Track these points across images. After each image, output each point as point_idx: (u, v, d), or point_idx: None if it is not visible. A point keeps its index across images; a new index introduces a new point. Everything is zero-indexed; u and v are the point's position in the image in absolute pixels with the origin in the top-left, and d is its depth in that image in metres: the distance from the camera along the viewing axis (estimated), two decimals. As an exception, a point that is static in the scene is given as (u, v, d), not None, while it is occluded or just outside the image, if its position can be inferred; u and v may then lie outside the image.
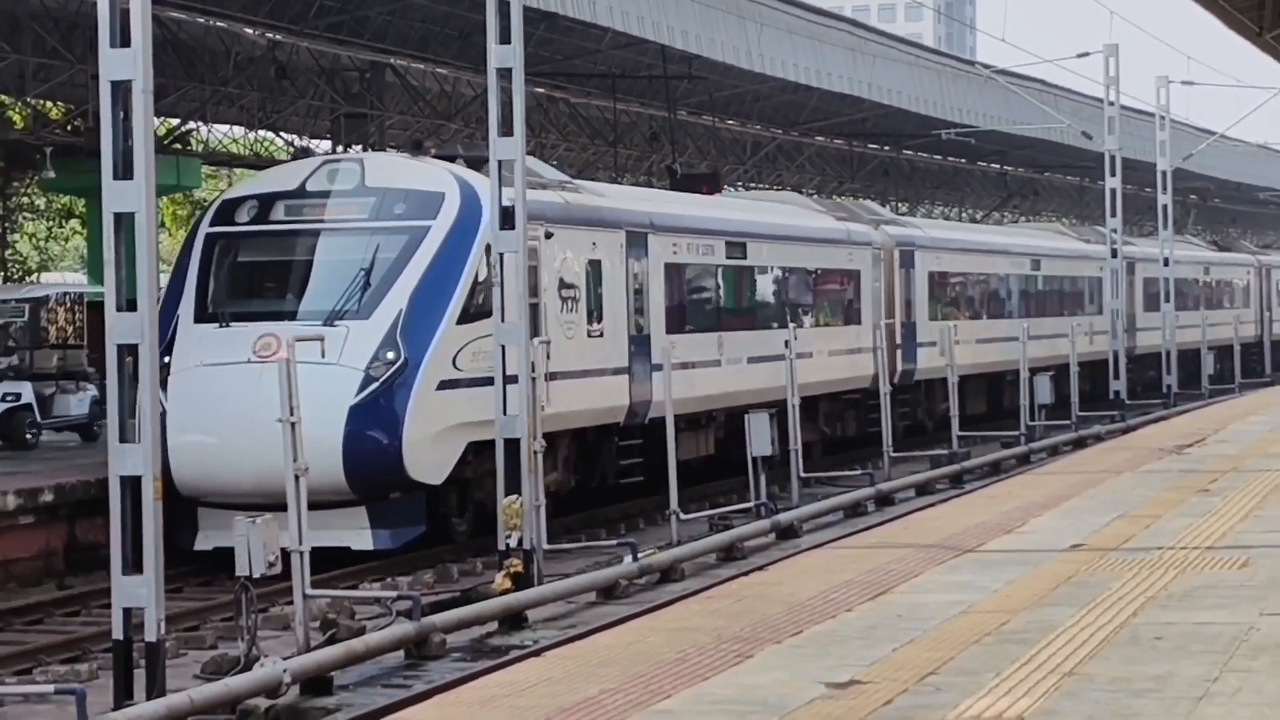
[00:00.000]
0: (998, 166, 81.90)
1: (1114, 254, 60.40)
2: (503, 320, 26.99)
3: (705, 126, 61.63)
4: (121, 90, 19.05)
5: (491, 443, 28.43)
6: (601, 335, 33.80)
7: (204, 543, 28.05)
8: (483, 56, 27.34)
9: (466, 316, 29.30)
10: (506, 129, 26.88)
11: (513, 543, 26.18)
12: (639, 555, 27.10)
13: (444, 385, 28.81)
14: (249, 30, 41.70)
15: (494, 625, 23.44)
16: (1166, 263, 64.92)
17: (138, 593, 18.70)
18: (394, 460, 28.04)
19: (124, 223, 19.14)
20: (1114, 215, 59.70)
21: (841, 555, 21.24)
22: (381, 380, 28.03)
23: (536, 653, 17.99)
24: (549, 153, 57.43)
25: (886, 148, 72.57)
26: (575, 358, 32.43)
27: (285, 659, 19.52)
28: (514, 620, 23.70)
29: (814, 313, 44.40)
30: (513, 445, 26.63)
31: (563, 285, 32.43)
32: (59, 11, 37.94)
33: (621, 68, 48.80)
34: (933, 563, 19.41)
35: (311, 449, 24.04)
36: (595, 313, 33.66)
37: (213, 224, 30.47)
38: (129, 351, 19.19)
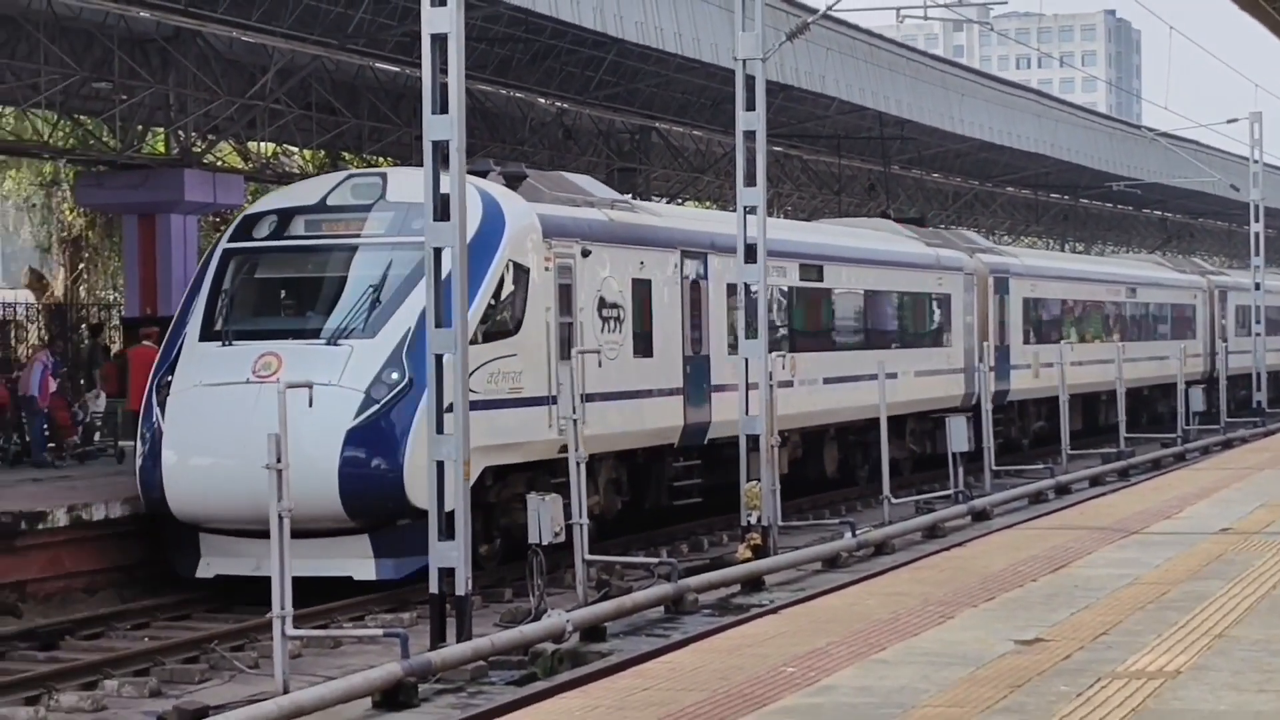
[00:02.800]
0: (1159, 213, 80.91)
1: (1257, 286, 59.17)
2: (749, 337, 27.03)
3: (914, 178, 61.39)
4: (440, 148, 19.32)
5: (515, 467, 24.20)
6: (651, 355, 27.84)
7: (205, 570, 22.68)
8: (732, 121, 27.37)
9: (482, 336, 23.25)
10: (750, 180, 26.95)
11: (753, 520, 26.20)
12: (857, 532, 27.01)
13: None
14: (542, 100, 42.06)
15: (737, 587, 23.42)
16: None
17: (450, 555, 18.91)
18: (394, 486, 22.11)
19: (441, 255, 19.41)
20: (1257, 255, 58.58)
21: (1027, 535, 21.05)
22: (383, 402, 22.23)
23: (773, 611, 17.94)
24: (783, 200, 57.36)
25: (1066, 197, 71.87)
26: (617, 378, 26.49)
27: (568, 612, 19.64)
28: (753, 584, 23.67)
29: (899, 335, 38.20)
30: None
31: (603, 304, 26.53)
32: (390, 84, 38.45)
33: (845, 130, 48.73)
34: (1104, 542, 19.20)
35: (307, 474, 20.56)
36: (642, 333, 27.71)
37: (231, 239, 25.09)
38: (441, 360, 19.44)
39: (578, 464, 21.93)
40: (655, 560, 24.48)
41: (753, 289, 27.20)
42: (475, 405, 22.03)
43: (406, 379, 22.27)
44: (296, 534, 21.00)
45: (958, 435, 32.97)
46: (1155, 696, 10.99)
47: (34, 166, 47.39)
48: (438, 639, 18.70)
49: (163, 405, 22.99)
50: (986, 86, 54.96)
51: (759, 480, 26.37)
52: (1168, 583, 15.90)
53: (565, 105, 42.64)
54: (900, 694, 11.26)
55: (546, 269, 24.99)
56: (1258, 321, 58.76)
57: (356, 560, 22.26)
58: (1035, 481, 35.63)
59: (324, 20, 32.15)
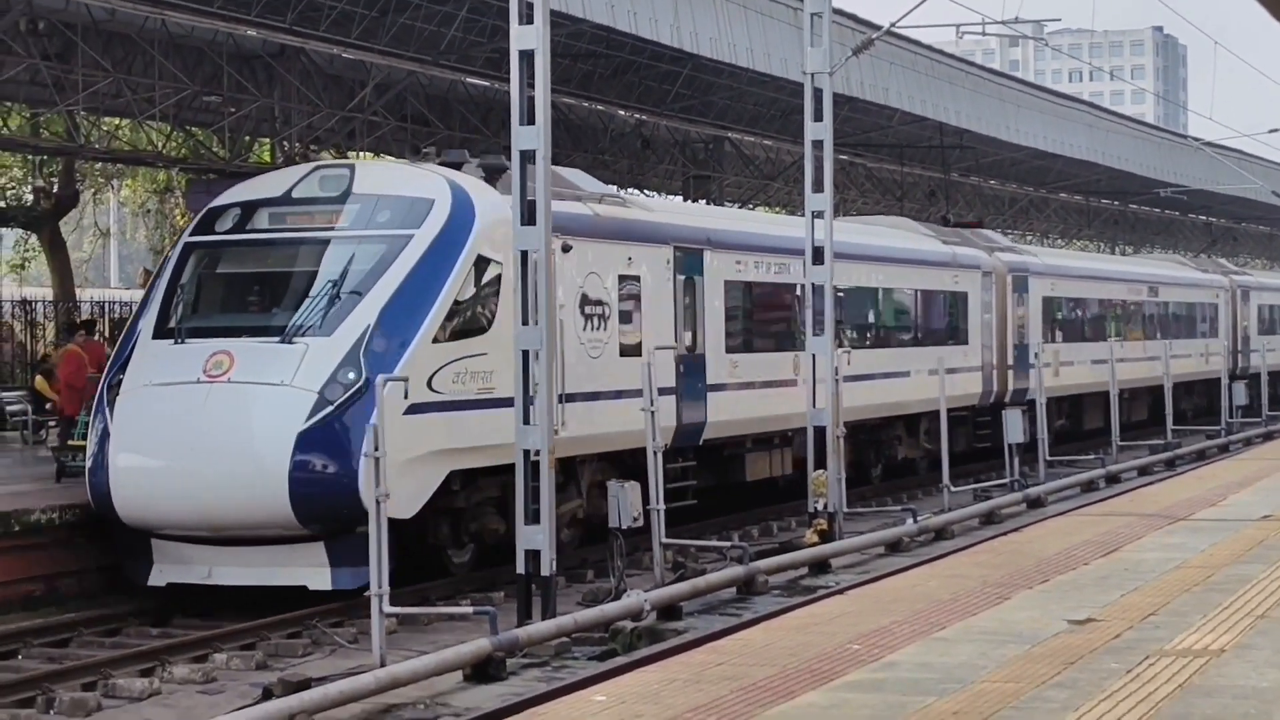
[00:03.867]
0: (1204, 218, 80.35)
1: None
2: (816, 334, 26.89)
3: (972, 185, 61.10)
4: (527, 157, 19.37)
5: (486, 470, 21.43)
6: (639, 354, 24.50)
7: (158, 578, 20.11)
8: (800, 131, 27.32)
9: (447, 334, 20.80)
10: (818, 187, 26.88)
11: (820, 507, 26.13)
12: (918, 519, 26.95)
13: (415, 409, 20.11)
14: (621, 112, 42.07)
15: (805, 570, 23.40)
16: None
17: (536, 538, 18.96)
18: (347, 491, 19.32)
19: (527, 258, 19.45)
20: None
21: (1079, 521, 20.95)
22: (337, 404, 19.50)
23: (839, 592, 17.91)
24: (848, 206, 57.11)
25: (1116, 203, 71.44)
26: (603, 378, 23.58)
27: (646, 592, 19.68)
28: (820, 566, 23.65)
29: (912, 332, 34.97)
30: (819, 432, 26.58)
31: (586, 301, 23.61)
32: (480, 98, 38.50)
33: (907, 139, 48.53)
34: (1152, 528, 19.09)
35: (257, 478, 19.00)
36: (629, 330, 24.78)
37: (193, 233, 22.43)
38: (529, 356, 19.48)
39: (654, 453, 21.83)
40: (728, 544, 24.46)
41: (819, 288, 27.04)
42: (439, 406, 20.53)
43: (363, 379, 19.68)
44: (248, 541, 19.64)
45: (1013, 427, 32.92)
46: (1201, 673, 10.94)
47: (149, 175, 47.72)
48: (524, 617, 18.75)
49: (112, 405, 20.54)
50: (1041, 98, 54.67)
51: (825, 469, 26.31)
52: (1212, 566, 15.81)
53: (643, 117, 42.62)
54: (960, 670, 11.24)
55: None
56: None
57: (311, 569, 19.73)
58: (1087, 471, 35.46)
59: (418, 38, 32.29)
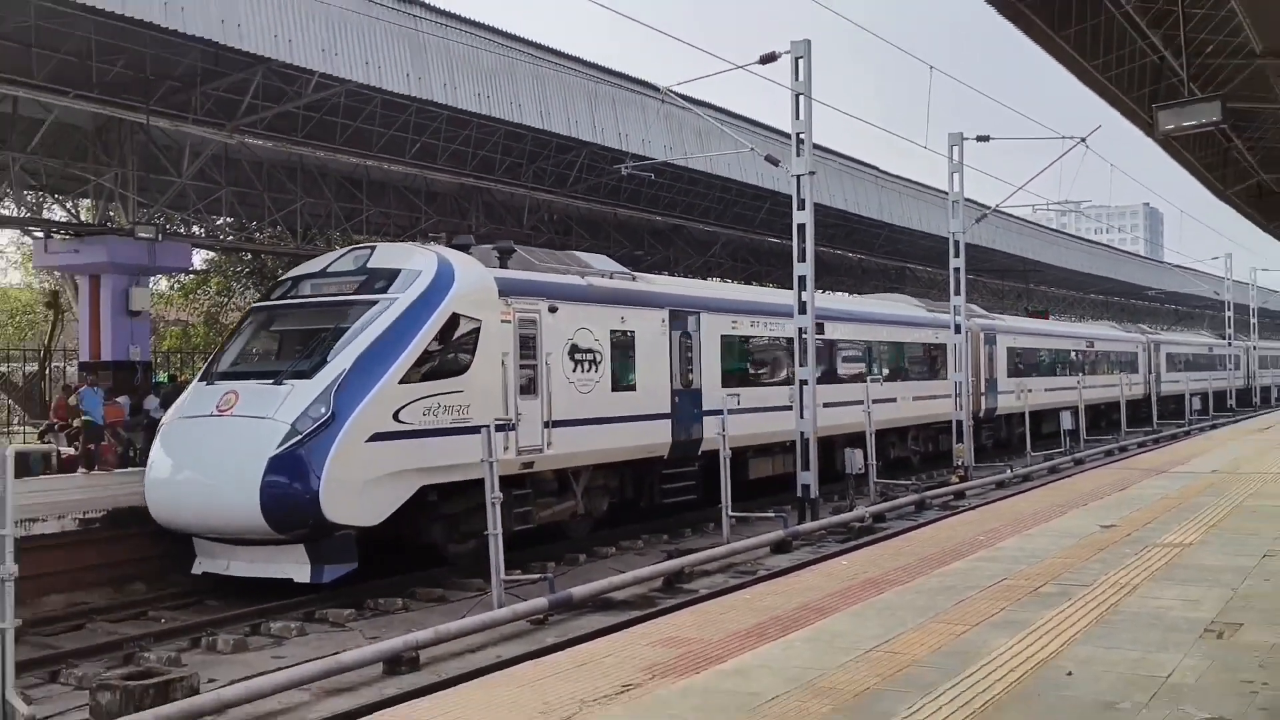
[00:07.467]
0: (1174, 307, 75.97)
1: (1229, 343, 54.94)
2: (957, 370, 26.02)
3: (1042, 291, 58.80)
4: (802, 280, 19.26)
5: (466, 483, 14.56)
6: (633, 389, 17.72)
7: (198, 568, 14.40)
8: (948, 263, 26.67)
9: (417, 376, 14.28)
10: (957, 293, 26.20)
11: (959, 463, 25.42)
12: (1013, 470, 25.95)
13: (379, 437, 13.85)
14: (850, 254, 41.65)
15: (951, 497, 22.65)
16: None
17: (807, 477, 18.77)
18: (311, 505, 13.36)
19: (802, 332, 19.28)
20: (1229, 329, 54.68)
21: (1104, 472, 19.99)
22: (305, 433, 13.48)
23: (971, 509, 17.35)
24: (973, 300, 55.30)
25: (1124, 299, 68.04)
26: (595, 407, 16.91)
27: (866, 507, 19.34)
28: (959, 495, 22.80)
29: (900, 371, 26.63)
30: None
31: (576, 350, 16.70)
32: (776, 249, 38.44)
33: (1005, 267, 47.07)
34: (1146, 476, 18.11)
35: (239, 492, 13.45)
36: (622, 372, 17.59)
37: (259, 300, 16.87)
38: (804, 384, 19.31)
39: (870, 434, 21.26)
40: (910, 481, 23.84)
41: (958, 346, 26.23)
42: (406, 434, 14.12)
43: (330, 413, 13.63)
44: (251, 542, 13.93)
45: (1065, 421, 31.68)
46: (1178, 556, 10.41)
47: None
48: (801, 519, 18.59)
49: (158, 433, 15.09)
50: (1080, 243, 52.77)
51: (962, 442, 25.56)
52: (1183, 497, 14.97)
53: (862, 256, 42.20)
54: (1039, 551, 10.88)
55: (505, 321, 15.60)
56: (1239, 367, 54.73)
57: (296, 565, 13.79)
58: (1106, 445, 33.70)
59: (744, 218, 32.58)
